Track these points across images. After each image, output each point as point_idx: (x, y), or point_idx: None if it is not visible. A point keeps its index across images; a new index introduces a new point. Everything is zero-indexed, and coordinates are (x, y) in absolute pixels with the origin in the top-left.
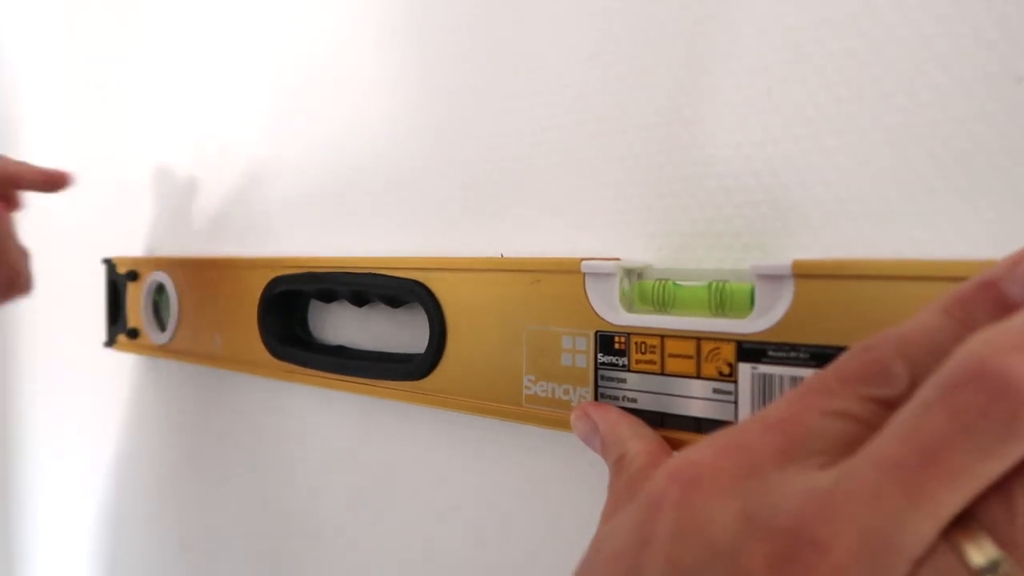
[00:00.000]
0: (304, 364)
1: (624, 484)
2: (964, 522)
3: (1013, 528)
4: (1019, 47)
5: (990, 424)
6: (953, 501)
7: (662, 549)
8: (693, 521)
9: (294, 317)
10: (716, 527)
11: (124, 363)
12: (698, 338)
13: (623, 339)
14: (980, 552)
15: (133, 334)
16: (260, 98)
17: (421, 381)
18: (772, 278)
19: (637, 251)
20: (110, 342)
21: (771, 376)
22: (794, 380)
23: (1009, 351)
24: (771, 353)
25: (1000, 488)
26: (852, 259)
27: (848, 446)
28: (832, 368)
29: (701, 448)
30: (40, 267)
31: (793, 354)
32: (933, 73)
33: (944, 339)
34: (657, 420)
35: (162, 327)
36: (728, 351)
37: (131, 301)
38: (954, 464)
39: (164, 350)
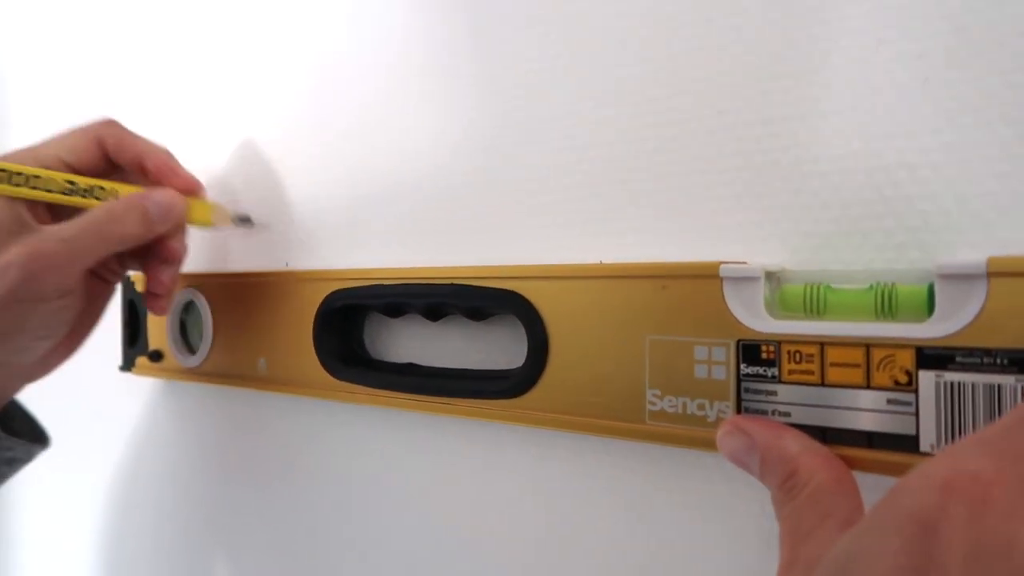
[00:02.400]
0: (372, 385)
1: (806, 504)
2: None
3: None
4: None
5: None
6: None
7: (955, 574)
8: (992, 544)
9: (352, 335)
10: (1021, 550)
11: (140, 387)
12: (867, 345)
13: (772, 348)
14: None
15: (156, 357)
16: (303, 91)
17: (518, 399)
18: (959, 277)
19: (764, 253)
20: (127, 366)
21: (961, 384)
22: (989, 388)
23: None
24: (960, 359)
25: None
26: None
27: None
28: None
29: (972, 459)
30: None
31: (988, 359)
32: None
33: None
34: (817, 435)
35: (191, 349)
36: (905, 358)
37: (153, 321)
38: None
39: (194, 373)
